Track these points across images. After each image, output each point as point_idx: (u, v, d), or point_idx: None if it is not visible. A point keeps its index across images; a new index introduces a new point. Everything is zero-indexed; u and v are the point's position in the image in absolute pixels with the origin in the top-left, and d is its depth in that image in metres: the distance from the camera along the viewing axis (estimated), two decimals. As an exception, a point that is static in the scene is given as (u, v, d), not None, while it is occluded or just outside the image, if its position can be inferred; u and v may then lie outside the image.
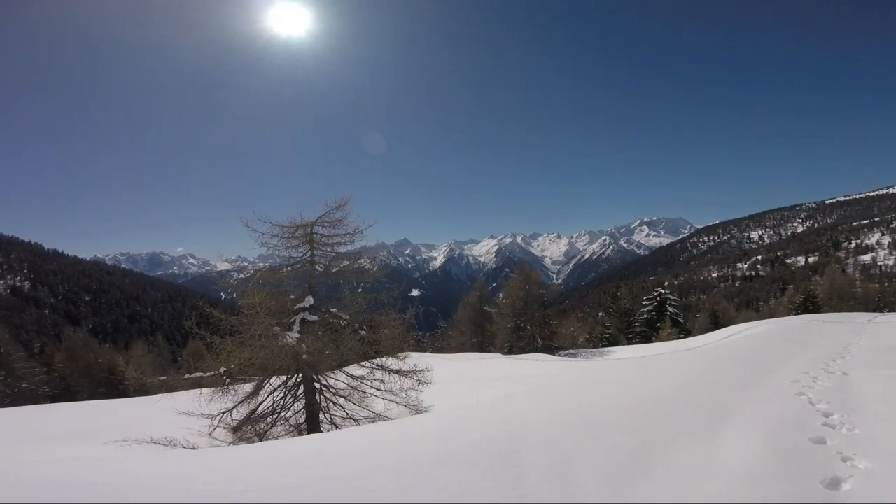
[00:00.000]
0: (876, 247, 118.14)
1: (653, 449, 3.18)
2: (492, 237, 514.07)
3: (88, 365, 33.51)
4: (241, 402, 8.03)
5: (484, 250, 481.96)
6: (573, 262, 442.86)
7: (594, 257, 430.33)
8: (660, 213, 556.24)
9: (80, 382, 32.80)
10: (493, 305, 31.42)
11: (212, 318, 8.07)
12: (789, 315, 30.23)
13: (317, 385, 8.40)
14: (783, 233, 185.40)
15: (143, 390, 16.05)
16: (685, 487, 2.67)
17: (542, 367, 16.22)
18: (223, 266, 10.26)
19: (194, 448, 6.94)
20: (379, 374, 8.65)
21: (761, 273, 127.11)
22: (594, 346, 30.75)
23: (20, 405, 21.15)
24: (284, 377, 8.31)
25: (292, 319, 8.11)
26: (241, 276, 9.83)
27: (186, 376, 8.37)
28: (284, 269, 8.68)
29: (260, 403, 8.17)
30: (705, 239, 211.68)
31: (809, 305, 33.48)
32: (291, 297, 8.48)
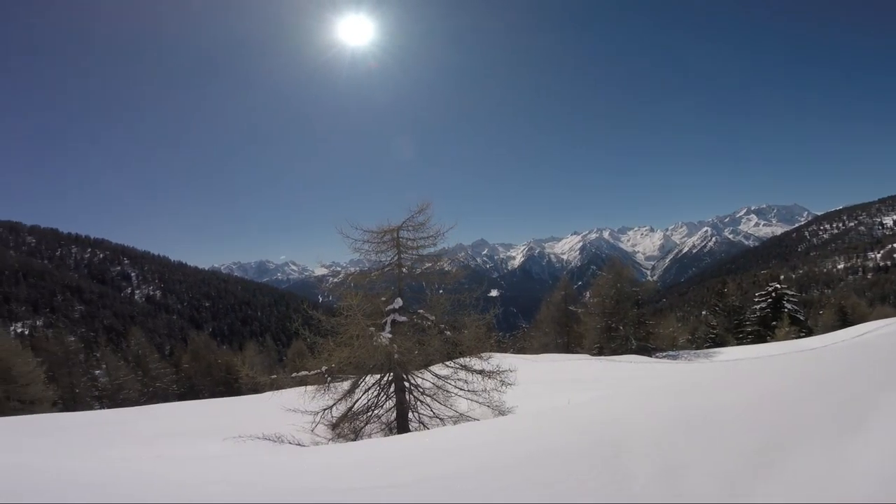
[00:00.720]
0: None
1: (775, 452, 2.88)
2: (575, 233, 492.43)
3: (209, 365, 37.84)
4: (339, 400, 8.57)
5: (567, 247, 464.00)
6: (669, 256, 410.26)
7: (694, 251, 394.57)
8: (769, 201, 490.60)
9: (203, 382, 37.20)
10: (579, 305, 30.30)
11: (314, 320, 8.76)
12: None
13: (406, 384, 8.75)
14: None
15: (255, 388, 17.10)
16: (811, 489, 2.42)
17: (637, 370, 15.22)
18: (320, 271, 11.12)
19: (300, 444, 7.52)
20: (462, 374, 8.76)
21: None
22: (697, 347, 28.58)
23: (153, 403, 24.39)
24: (378, 376, 8.76)
25: (384, 320, 8.55)
26: (335, 280, 10.49)
27: (293, 375, 9.11)
28: (374, 273, 9.14)
29: (356, 401, 8.66)
30: (827, 227, 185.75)
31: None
32: (382, 298, 8.93)
